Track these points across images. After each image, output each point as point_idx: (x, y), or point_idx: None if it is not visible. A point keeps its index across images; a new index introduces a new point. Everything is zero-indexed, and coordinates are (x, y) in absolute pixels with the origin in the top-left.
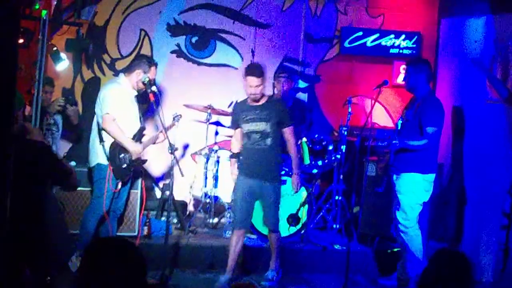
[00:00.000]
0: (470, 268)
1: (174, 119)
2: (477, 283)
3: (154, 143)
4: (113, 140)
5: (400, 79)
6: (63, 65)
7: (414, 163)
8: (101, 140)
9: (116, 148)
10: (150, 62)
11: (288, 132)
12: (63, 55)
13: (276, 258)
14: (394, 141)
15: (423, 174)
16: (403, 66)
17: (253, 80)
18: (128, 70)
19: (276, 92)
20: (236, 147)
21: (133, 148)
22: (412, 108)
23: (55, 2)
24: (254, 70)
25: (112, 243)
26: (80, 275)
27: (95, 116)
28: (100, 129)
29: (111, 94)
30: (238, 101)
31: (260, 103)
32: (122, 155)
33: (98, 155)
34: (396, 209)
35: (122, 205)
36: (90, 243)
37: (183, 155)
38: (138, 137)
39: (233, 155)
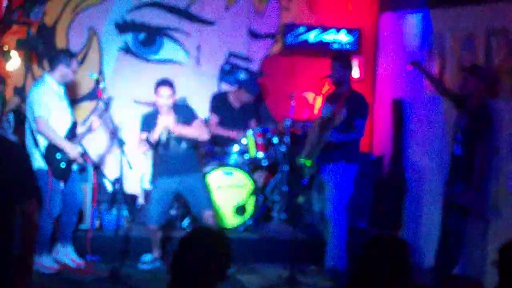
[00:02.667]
0: (407, 253)
1: (104, 103)
2: (418, 269)
3: (92, 131)
4: (47, 142)
5: None
6: (14, 64)
7: (342, 153)
8: (36, 143)
9: (52, 149)
10: (70, 54)
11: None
12: (14, 54)
13: None
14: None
15: (349, 164)
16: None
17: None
18: (50, 67)
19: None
20: None
21: (70, 149)
22: (336, 103)
23: (5, 3)
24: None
25: (208, 233)
26: (174, 264)
27: (26, 121)
28: (33, 133)
29: (38, 96)
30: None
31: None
32: (59, 155)
33: (36, 160)
34: (323, 200)
35: (78, 198)
36: (187, 234)
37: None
38: (71, 133)
39: None
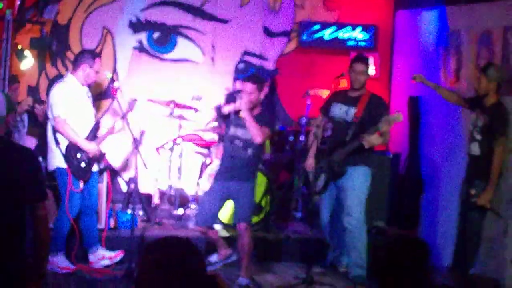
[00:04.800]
0: (427, 254)
1: (129, 105)
2: (435, 268)
3: (112, 133)
4: (68, 141)
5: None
6: (28, 63)
7: (365, 156)
8: (57, 142)
9: (72, 149)
10: (93, 54)
11: None
12: (27, 53)
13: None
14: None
15: (369, 167)
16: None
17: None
18: (73, 67)
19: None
20: None
21: (88, 147)
22: (355, 105)
23: (18, 2)
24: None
25: (169, 243)
26: (140, 277)
27: (48, 120)
28: (54, 132)
29: (59, 95)
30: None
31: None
32: (79, 154)
33: (56, 159)
34: (343, 206)
35: (96, 199)
36: (148, 245)
37: (146, 148)
38: (93, 134)
39: None
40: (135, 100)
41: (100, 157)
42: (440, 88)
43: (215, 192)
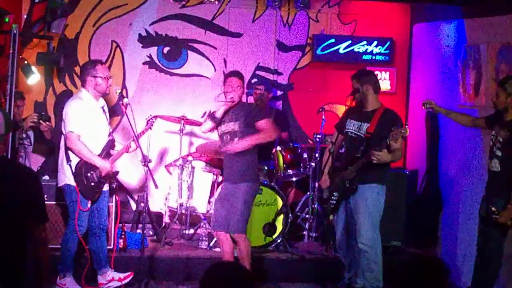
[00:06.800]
0: (446, 274)
1: (148, 122)
2: None
3: (127, 152)
4: (78, 159)
5: None
6: (35, 78)
7: (377, 173)
8: (68, 159)
9: (83, 168)
10: (93, 62)
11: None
12: (34, 68)
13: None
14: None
15: (383, 185)
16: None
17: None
18: (81, 83)
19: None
20: None
21: (102, 165)
22: (368, 120)
23: (25, 16)
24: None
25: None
26: None
27: (62, 136)
28: (66, 149)
29: (72, 110)
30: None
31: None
32: (90, 173)
33: (66, 176)
34: (356, 225)
35: (105, 219)
36: (209, 269)
37: (156, 166)
38: (106, 151)
39: None
40: (155, 117)
41: (112, 176)
42: (452, 113)
43: (220, 193)
